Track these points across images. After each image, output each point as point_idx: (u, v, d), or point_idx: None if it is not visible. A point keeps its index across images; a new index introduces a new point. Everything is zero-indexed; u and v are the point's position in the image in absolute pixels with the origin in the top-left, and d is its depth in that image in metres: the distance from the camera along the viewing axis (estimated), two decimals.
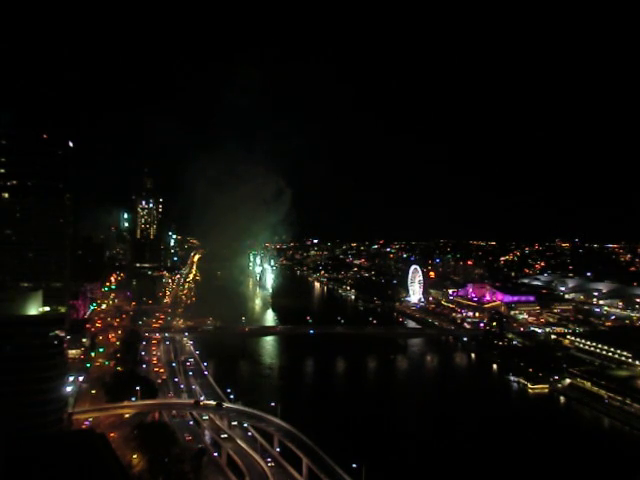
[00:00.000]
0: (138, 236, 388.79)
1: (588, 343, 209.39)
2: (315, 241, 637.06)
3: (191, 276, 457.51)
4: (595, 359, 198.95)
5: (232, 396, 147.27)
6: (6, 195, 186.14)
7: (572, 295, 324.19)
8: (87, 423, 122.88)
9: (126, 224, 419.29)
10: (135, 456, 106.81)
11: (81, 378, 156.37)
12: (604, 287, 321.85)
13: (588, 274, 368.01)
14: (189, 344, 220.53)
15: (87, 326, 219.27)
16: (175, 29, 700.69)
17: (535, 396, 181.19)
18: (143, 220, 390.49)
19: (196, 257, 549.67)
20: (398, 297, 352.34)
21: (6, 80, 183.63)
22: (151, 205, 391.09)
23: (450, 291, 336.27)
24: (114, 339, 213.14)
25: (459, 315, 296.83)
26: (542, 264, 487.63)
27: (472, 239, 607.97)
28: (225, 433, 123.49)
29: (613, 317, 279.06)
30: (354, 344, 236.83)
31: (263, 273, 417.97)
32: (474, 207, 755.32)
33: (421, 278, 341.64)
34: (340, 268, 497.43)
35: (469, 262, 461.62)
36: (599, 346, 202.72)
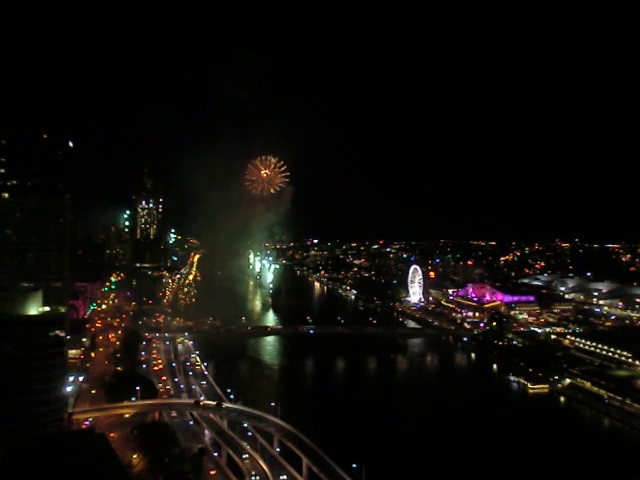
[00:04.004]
0: (138, 236, 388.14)
1: (588, 343, 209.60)
2: (315, 241, 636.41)
3: (191, 276, 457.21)
4: (595, 359, 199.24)
5: (232, 396, 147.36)
6: (6, 195, 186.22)
7: (572, 295, 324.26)
8: (87, 423, 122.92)
9: (126, 224, 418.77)
10: (135, 456, 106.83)
11: (81, 378, 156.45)
12: (604, 287, 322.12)
13: (588, 274, 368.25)
14: (189, 344, 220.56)
15: (87, 326, 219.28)
16: (173, 24, 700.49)
17: (535, 396, 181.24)
18: (143, 220, 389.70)
19: (196, 257, 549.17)
20: (398, 297, 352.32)
21: (6, 80, 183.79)
22: (151, 205, 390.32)
23: (450, 291, 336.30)
24: (114, 339, 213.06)
25: (459, 315, 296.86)
26: (542, 264, 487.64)
27: (472, 239, 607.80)
28: (225, 433, 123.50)
29: (613, 317, 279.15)
30: (354, 344, 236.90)
31: (263, 273, 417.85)
32: (474, 207, 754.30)
33: (421, 278, 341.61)
34: (340, 268, 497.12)
35: (469, 262, 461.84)
36: (599, 346, 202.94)
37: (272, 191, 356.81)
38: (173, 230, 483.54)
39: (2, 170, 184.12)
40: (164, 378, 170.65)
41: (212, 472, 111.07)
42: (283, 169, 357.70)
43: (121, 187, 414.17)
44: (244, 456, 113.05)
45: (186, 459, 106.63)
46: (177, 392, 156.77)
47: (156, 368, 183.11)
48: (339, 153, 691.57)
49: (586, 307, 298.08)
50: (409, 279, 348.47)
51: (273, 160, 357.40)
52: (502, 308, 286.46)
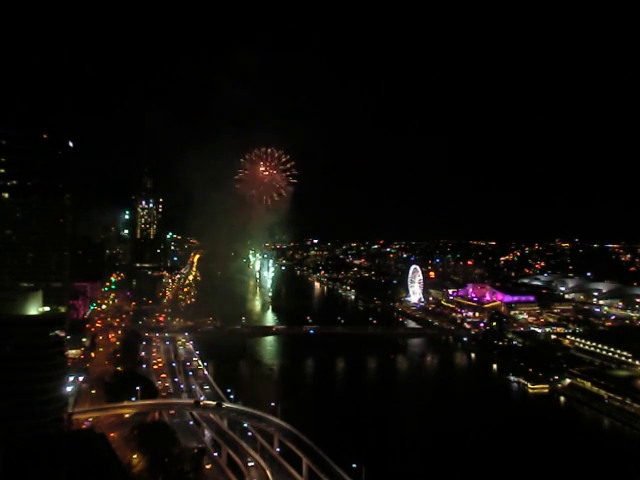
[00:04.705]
0: (138, 236, 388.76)
1: (588, 343, 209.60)
2: (315, 241, 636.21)
3: (191, 276, 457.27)
4: (595, 359, 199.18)
5: (232, 396, 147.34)
6: (6, 195, 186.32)
7: (572, 295, 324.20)
8: (87, 423, 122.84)
9: (126, 224, 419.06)
10: (135, 456, 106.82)
11: (81, 378, 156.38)
12: (604, 287, 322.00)
13: (588, 274, 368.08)
14: (189, 344, 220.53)
15: (87, 326, 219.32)
16: (173, 23, 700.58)
17: (535, 396, 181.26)
18: (143, 220, 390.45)
19: (196, 257, 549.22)
20: (398, 297, 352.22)
21: (6, 80, 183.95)
22: (151, 205, 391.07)
23: (450, 291, 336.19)
24: (114, 339, 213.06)
25: (459, 315, 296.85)
26: (542, 264, 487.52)
27: (472, 239, 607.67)
28: (225, 433, 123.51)
29: (613, 317, 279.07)
30: (354, 344, 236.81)
31: (263, 273, 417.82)
32: (474, 207, 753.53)
33: (421, 278, 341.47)
34: (340, 268, 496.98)
35: (469, 262, 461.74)
36: (599, 346, 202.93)
37: (276, 196, 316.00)
38: (173, 230, 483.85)
39: (2, 170, 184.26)
40: (163, 376, 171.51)
41: (212, 472, 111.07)
42: (290, 166, 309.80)
43: (121, 187, 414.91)
44: (249, 463, 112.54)
45: (186, 459, 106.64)
46: (177, 392, 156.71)
47: (156, 367, 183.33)
48: (339, 153, 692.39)
49: (586, 307, 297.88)
50: (409, 279, 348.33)
51: (276, 154, 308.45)
52: (502, 308, 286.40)
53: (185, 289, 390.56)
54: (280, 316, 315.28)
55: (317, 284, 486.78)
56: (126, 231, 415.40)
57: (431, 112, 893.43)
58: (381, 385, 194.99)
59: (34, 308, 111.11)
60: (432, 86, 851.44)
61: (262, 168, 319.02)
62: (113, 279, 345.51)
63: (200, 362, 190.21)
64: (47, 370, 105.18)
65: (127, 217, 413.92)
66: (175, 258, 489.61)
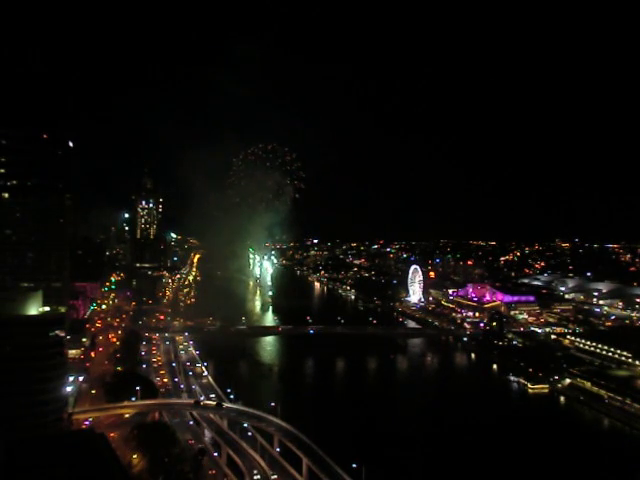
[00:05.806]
0: (138, 236, 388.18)
1: (588, 343, 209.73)
2: (315, 241, 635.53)
3: (191, 276, 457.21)
4: (595, 359, 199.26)
5: (232, 396, 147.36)
6: (6, 195, 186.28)
7: (572, 295, 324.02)
8: (87, 423, 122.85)
9: (126, 224, 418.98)
10: (135, 456, 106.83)
11: (81, 378, 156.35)
12: (604, 287, 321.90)
13: (588, 274, 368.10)
14: (189, 344, 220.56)
15: (87, 326, 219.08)
16: (172, 23, 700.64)
17: (535, 396, 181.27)
18: (143, 220, 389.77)
19: (196, 257, 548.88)
20: (398, 297, 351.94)
21: (7, 80, 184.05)
22: (151, 205, 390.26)
23: (450, 291, 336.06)
24: (114, 339, 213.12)
25: (459, 315, 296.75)
26: (542, 264, 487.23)
27: (472, 239, 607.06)
28: (225, 433, 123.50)
29: (613, 317, 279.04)
30: (354, 344, 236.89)
31: (263, 273, 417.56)
32: (474, 207, 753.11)
33: (421, 278, 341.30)
34: (340, 268, 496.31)
35: (469, 262, 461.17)
36: (599, 346, 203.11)
37: (277, 203, 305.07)
38: (173, 230, 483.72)
39: (2, 170, 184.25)
40: (163, 372, 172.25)
41: (212, 472, 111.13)
42: (295, 166, 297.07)
43: (121, 187, 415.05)
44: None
45: (186, 459, 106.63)
46: (177, 392, 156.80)
47: (155, 366, 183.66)
48: (339, 153, 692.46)
49: (586, 307, 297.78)
50: (409, 279, 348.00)
51: (279, 152, 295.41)
52: (502, 308, 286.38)
53: (185, 289, 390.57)
54: (280, 316, 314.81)
55: (317, 284, 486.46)
56: (126, 227, 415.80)
57: (431, 112, 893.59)
58: (381, 385, 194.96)
59: (34, 308, 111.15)
60: (433, 86, 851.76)
61: (263, 168, 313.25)
62: (113, 279, 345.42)
63: (200, 362, 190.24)
64: (47, 370, 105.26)
65: (127, 217, 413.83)
66: (175, 258, 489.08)
